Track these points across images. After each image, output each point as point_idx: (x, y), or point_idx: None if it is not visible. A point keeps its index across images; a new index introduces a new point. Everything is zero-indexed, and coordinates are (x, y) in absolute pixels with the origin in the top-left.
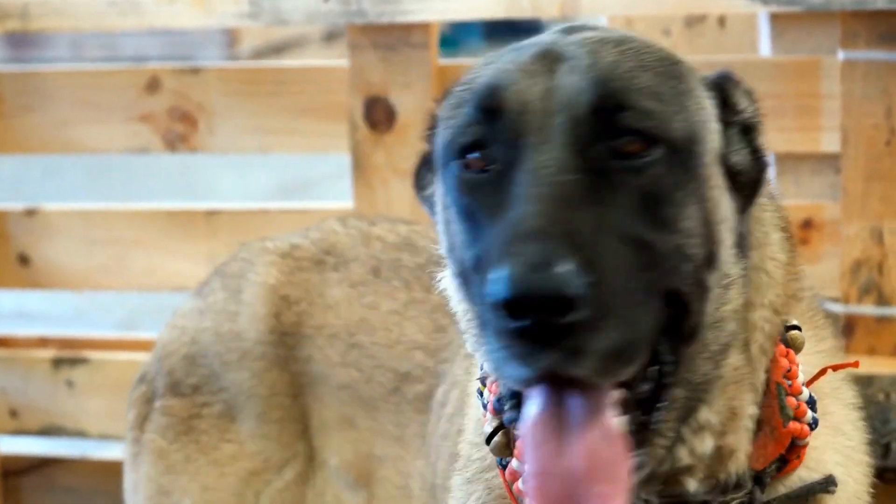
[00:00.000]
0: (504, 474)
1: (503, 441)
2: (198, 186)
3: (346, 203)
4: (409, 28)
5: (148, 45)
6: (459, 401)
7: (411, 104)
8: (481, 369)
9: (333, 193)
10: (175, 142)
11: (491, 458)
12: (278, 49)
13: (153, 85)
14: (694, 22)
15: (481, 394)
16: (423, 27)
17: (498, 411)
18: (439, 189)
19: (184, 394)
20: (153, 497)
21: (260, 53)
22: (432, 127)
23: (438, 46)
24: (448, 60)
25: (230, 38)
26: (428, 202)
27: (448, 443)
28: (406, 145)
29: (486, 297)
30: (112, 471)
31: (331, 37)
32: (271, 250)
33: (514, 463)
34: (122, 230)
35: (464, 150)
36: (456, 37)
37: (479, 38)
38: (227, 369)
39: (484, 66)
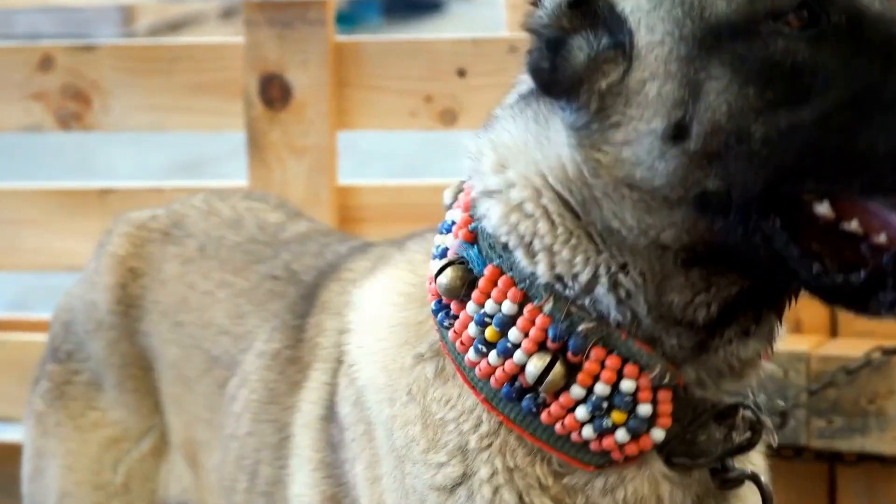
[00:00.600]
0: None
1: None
2: (93, 165)
3: (241, 181)
4: (305, 5)
5: (42, 22)
6: (246, 402)
7: (307, 82)
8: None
9: (230, 172)
10: (69, 120)
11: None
12: (175, 26)
13: (46, 63)
14: None
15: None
16: (320, 4)
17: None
18: (718, 57)
19: (60, 360)
20: (31, 459)
21: (156, 31)
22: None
23: (336, 23)
24: (345, 38)
25: (126, 15)
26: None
27: (235, 444)
28: (302, 123)
29: None
30: (3, 452)
31: (228, 13)
32: (130, 221)
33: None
34: (14, 210)
35: (780, 13)
36: (354, 14)
37: (378, 15)
38: (88, 338)
39: None
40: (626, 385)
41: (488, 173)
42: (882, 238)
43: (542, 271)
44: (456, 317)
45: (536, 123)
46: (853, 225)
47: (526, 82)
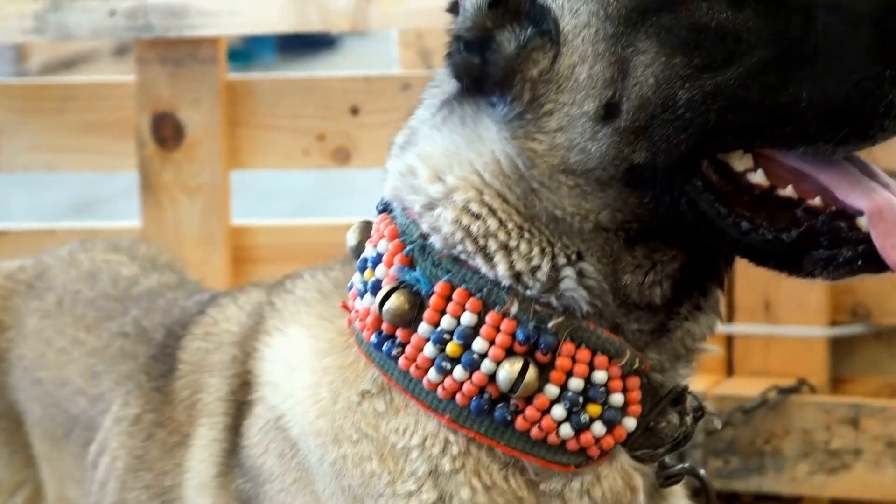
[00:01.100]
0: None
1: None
2: None
3: (135, 222)
4: (197, 43)
5: None
6: (108, 469)
7: (200, 121)
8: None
9: (125, 212)
10: None
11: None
12: (68, 64)
13: None
14: None
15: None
16: (212, 42)
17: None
18: (650, 28)
19: None
20: None
21: (49, 69)
22: None
23: (230, 61)
24: (238, 75)
25: (19, 53)
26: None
27: None
28: (195, 162)
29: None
30: None
31: (122, 51)
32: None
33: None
34: None
35: None
36: (248, 51)
37: (272, 52)
38: None
39: None
40: (599, 376)
41: (426, 185)
42: (817, 200)
43: (502, 271)
44: (404, 343)
45: (464, 126)
46: (788, 191)
47: (438, 94)
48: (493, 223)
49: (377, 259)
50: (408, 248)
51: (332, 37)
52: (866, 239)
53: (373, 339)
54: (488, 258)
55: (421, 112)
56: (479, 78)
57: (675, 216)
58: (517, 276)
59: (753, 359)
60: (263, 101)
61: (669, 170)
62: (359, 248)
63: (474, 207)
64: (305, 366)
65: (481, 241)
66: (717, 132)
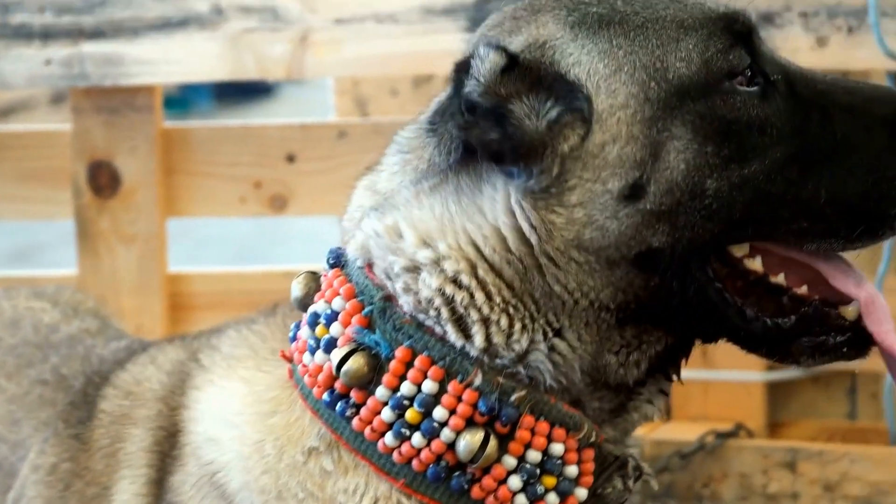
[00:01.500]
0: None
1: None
2: None
3: (71, 270)
4: (133, 91)
5: None
6: None
7: (136, 169)
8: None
9: (61, 260)
10: None
11: None
12: (5, 112)
13: None
14: (421, 82)
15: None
16: (148, 90)
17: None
18: (688, 115)
19: None
20: None
21: None
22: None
23: (166, 108)
24: (174, 123)
25: None
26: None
27: None
28: (131, 211)
29: None
30: None
31: (59, 99)
32: None
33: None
34: None
35: (736, 73)
36: (185, 98)
37: (209, 100)
38: None
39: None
40: (556, 448)
41: (413, 249)
42: (804, 289)
43: (478, 342)
44: (358, 405)
45: (460, 195)
46: (780, 278)
47: (413, 160)
48: (480, 296)
49: (332, 316)
50: (367, 308)
51: (269, 84)
52: (853, 326)
53: (325, 397)
54: (462, 328)
55: (391, 177)
56: (499, 153)
57: (678, 300)
58: (491, 348)
59: (692, 404)
60: (200, 148)
61: (686, 257)
62: (304, 300)
63: (464, 279)
64: (247, 422)
65: (460, 312)
66: (741, 224)
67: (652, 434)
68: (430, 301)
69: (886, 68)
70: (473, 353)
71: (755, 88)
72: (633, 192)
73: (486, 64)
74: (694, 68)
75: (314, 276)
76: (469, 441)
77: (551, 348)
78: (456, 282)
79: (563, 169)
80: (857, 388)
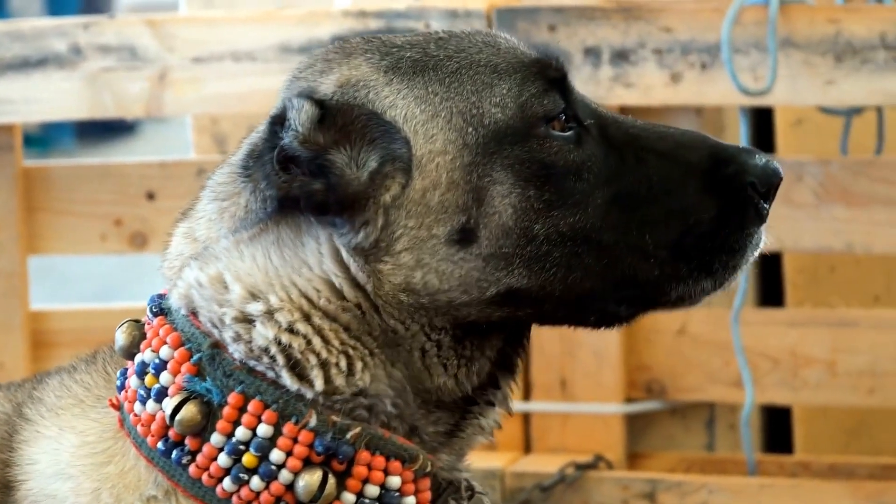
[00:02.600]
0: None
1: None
2: None
3: None
4: None
5: None
6: None
7: None
8: None
9: None
10: None
11: None
12: None
13: None
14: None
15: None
16: (7, 129)
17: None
18: (503, 160)
19: None
20: None
21: None
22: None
23: (27, 147)
24: (34, 162)
25: None
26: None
27: None
28: None
29: (759, 178)
30: None
31: None
32: None
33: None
34: None
35: (551, 117)
36: (47, 137)
37: (71, 138)
38: None
39: (484, 52)
40: (393, 481)
41: (241, 302)
42: None
43: (318, 385)
44: (193, 452)
45: (281, 246)
46: None
47: (229, 207)
48: (317, 341)
49: (160, 365)
50: (195, 356)
51: (131, 122)
52: None
53: (159, 445)
54: (299, 373)
55: (210, 224)
56: (322, 204)
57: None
58: (329, 389)
59: (551, 436)
60: (60, 186)
61: (591, 297)
62: (129, 349)
63: (300, 327)
64: (82, 472)
65: (297, 357)
66: (602, 273)
67: (511, 467)
68: (264, 350)
69: (739, 103)
70: (310, 395)
71: (570, 133)
72: (463, 237)
73: (302, 114)
74: (510, 113)
75: (138, 325)
76: (308, 481)
77: (389, 377)
78: (291, 330)
79: (387, 220)
80: (715, 419)
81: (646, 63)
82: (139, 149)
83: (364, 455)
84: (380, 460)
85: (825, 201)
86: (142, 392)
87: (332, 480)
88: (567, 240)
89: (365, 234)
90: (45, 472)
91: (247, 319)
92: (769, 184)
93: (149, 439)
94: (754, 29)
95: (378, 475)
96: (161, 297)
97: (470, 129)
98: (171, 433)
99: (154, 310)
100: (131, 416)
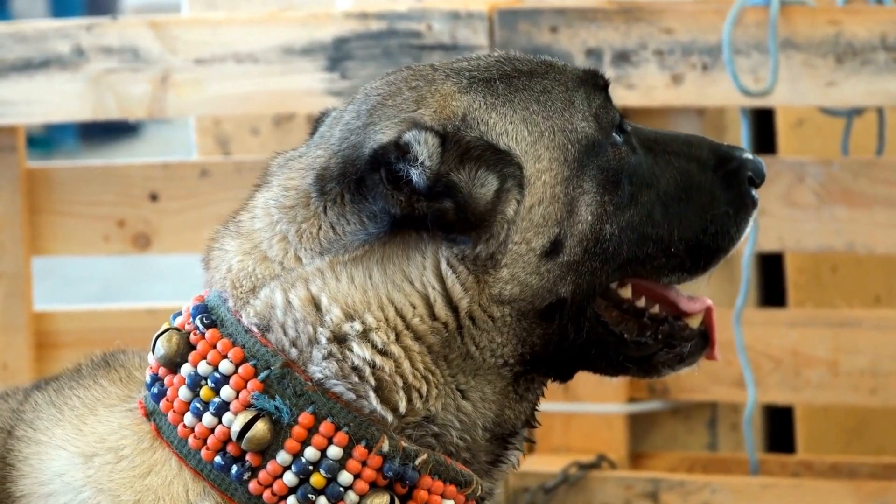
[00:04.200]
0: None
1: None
2: None
3: None
4: None
5: None
6: None
7: (0, 208)
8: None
9: None
10: None
11: None
12: None
13: None
14: (282, 121)
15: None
16: (10, 130)
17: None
18: (593, 168)
19: None
20: None
21: None
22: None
23: (31, 148)
24: (37, 163)
25: None
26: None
27: None
28: None
29: (754, 172)
30: None
31: None
32: None
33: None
34: None
35: (616, 125)
36: (50, 138)
37: (75, 139)
38: None
39: (543, 65)
40: None
41: (338, 322)
42: (656, 308)
43: (402, 408)
44: (255, 468)
45: (386, 265)
46: (641, 302)
47: (326, 228)
48: (406, 365)
49: (221, 380)
50: (262, 374)
51: (135, 123)
52: (698, 332)
53: (216, 460)
54: (383, 395)
55: (284, 247)
56: (453, 224)
57: (570, 342)
58: (407, 414)
59: (554, 436)
60: (63, 188)
61: (584, 300)
62: (173, 358)
63: (393, 349)
64: (121, 485)
65: (386, 379)
66: (624, 265)
67: None
68: (357, 370)
69: (741, 104)
70: (391, 418)
71: (622, 139)
72: (553, 248)
73: (426, 148)
74: (593, 126)
75: (180, 334)
76: None
77: (458, 409)
78: (384, 352)
79: (507, 233)
80: (718, 419)
81: (647, 64)
82: (142, 150)
83: (426, 480)
84: (439, 485)
85: (826, 202)
86: (197, 405)
87: None
88: (622, 233)
89: (485, 247)
90: (69, 481)
91: (341, 339)
92: (762, 176)
93: (203, 452)
94: (755, 30)
95: (436, 499)
96: (207, 308)
97: (569, 146)
98: (229, 448)
99: (205, 321)
100: (179, 427)
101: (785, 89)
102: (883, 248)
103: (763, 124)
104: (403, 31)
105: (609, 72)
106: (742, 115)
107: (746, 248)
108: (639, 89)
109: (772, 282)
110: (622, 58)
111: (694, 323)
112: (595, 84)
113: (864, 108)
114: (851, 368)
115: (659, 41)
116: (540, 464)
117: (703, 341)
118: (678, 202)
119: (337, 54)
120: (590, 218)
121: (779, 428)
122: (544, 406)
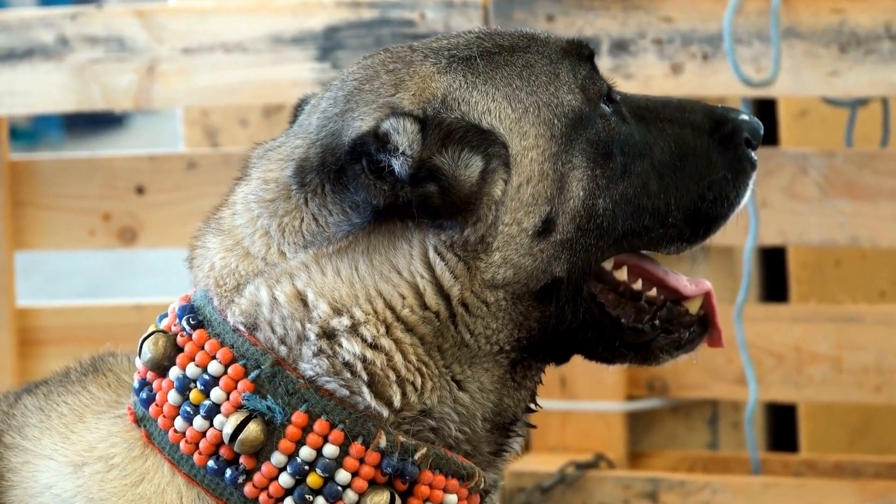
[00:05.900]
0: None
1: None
2: None
3: None
4: None
5: None
6: None
7: None
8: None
9: None
10: None
11: None
12: None
13: None
14: (271, 112)
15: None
16: None
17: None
18: (587, 136)
19: None
20: None
21: None
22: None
23: (15, 140)
24: (20, 155)
25: None
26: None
27: None
28: None
29: (751, 133)
30: None
31: None
32: None
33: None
34: None
35: (604, 95)
36: (35, 130)
37: (59, 131)
38: None
39: (528, 37)
40: (451, 499)
41: (326, 317)
42: (653, 292)
43: (397, 403)
44: (249, 471)
45: (372, 256)
46: (637, 285)
47: (289, 222)
48: (398, 358)
49: (210, 381)
50: (252, 373)
51: (120, 115)
52: (698, 318)
53: (209, 464)
54: (377, 390)
55: (265, 241)
56: (439, 208)
57: (567, 325)
58: (402, 408)
59: (551, 435)
60: (47, 181)
61: (579, 280)
62: (160, 361)
63: (383, 343)
64: (115, 495)
65: (378, 374)
66: (620, 238)
67: (512, 466)
68: (348, 365)
69: (742, 95)
70: (386, 413)
71: (611, 109)
72: (545, 227)
73: (406, 136)
74: (579, 98)
75: (167, 336)
76: (375, 502)
77: (455, 401)
78: (375, 346)
79: (496, 216)
80: (719, 417)
81: (646, 54)
82: (128, 142)
83: (426, 475)
84: (440, 479)
85: (830, 194)
86: (187, 408)
87: (398, 501)
88: (617, 207)
89: (473, 230)
90: (62, 489)
91: (330, 335)
92: (758, 136)
93: (195, 457)
94: (756, 19)
95: (438, 494)
96: (193, 308)
97: (555, 121)
98: (222, 451)
99: (192, 322)
100: (170, 432)
101: (787, 79)
102: (887, 241)
103: (765, 115)
104: (396, 19)
105: (607, 61)
106: (743, 106)
107: (748, 241)
108: (637, 79)
109: (774, 276)
110: (620, 47)
111: (693, 308)
112: (580, 54)
113: (869, 99)
114: (855, 365)
115: (658, 30)
116: (536, 463)
117: (703, 328)
118: (673, 170)
119: (328, 43)
120: (581, 193)
121: (781, 426)
122: (540, 404)
